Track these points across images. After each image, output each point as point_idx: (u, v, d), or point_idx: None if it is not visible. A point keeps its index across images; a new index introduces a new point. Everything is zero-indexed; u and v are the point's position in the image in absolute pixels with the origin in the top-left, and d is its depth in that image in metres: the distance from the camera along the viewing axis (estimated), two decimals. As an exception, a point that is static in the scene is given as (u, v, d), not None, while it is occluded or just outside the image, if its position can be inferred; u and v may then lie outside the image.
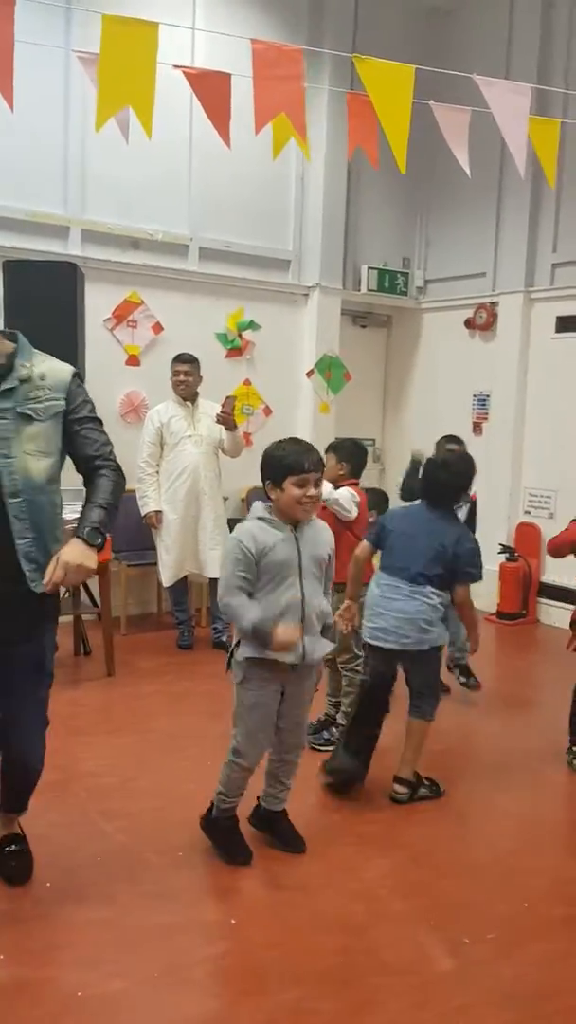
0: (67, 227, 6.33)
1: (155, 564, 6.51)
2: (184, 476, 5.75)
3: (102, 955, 2.66)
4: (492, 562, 6.92)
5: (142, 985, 2.53)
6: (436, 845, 3.47)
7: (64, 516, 2.85)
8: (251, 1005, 2.47)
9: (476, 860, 3.38)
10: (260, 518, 3.07)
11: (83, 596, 5.81)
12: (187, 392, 5.85)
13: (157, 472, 5.86)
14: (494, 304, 7.46)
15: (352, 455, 4.40)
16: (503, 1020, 2.46)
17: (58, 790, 3.73)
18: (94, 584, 5.63)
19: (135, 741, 4.36)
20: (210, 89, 3.48)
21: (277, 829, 3.40)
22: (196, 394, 5.88)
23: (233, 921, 2.87)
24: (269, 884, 3.11)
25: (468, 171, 3.84)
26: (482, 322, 7.53)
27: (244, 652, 3.09)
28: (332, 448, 4.44)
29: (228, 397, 5.66)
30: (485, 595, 6.55)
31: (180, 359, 5.89)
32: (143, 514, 5.88)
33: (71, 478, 2.84)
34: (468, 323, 7.65)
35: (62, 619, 5.85)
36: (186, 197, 6.80)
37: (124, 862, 3.21)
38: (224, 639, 5.88)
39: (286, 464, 3.00)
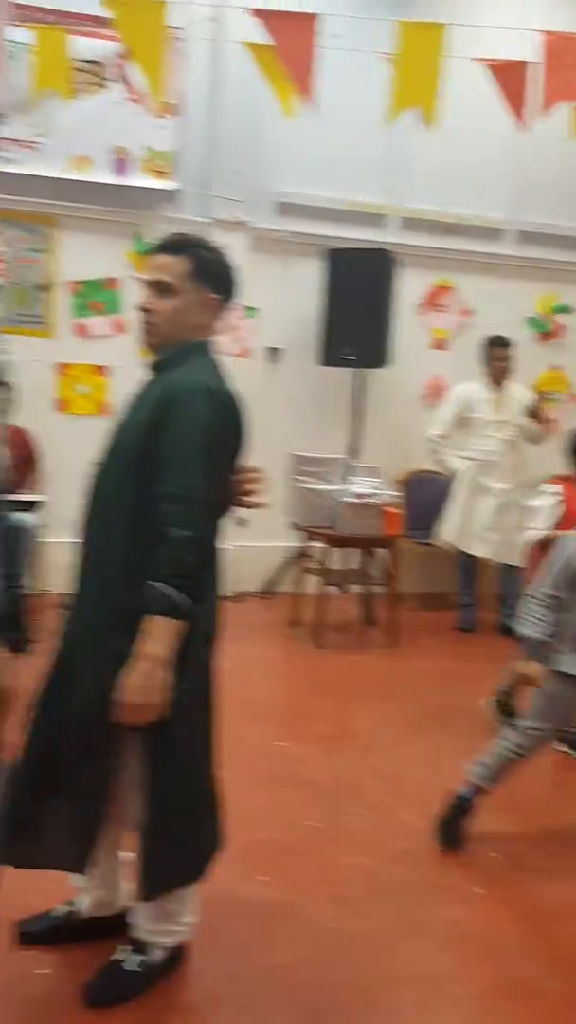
0: (385, 215, 6.60)
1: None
2: (484, 464, 5.81)
3: (354, 894, 2.96)
4: None
5: (385, 931, 2.79)
6: None
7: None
8: (475, 971, 2.65)
9: None
10: None
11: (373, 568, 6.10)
12: (507, 377, 5.89)
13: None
14: None
15: None
16: None
17: (334, 742, 4.12)
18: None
19: (406, 710, 4.60)
20: (509, 78, 3.67)
21: None
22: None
23: (477, 890, 3.05)
24: (511, 863, 3.25)
25: None
26: None
27: None
28: None
29: (541, 393, 5.76)
30: None
31: (505, 343, 5.90)
32: (453, 470, 5.98)
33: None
34: None
35: (355, 587, 6.26)
36: (504, 181, 6.79)
37: (384, 820, 3.48)
38: (511, 624, 5.90)
39: None
